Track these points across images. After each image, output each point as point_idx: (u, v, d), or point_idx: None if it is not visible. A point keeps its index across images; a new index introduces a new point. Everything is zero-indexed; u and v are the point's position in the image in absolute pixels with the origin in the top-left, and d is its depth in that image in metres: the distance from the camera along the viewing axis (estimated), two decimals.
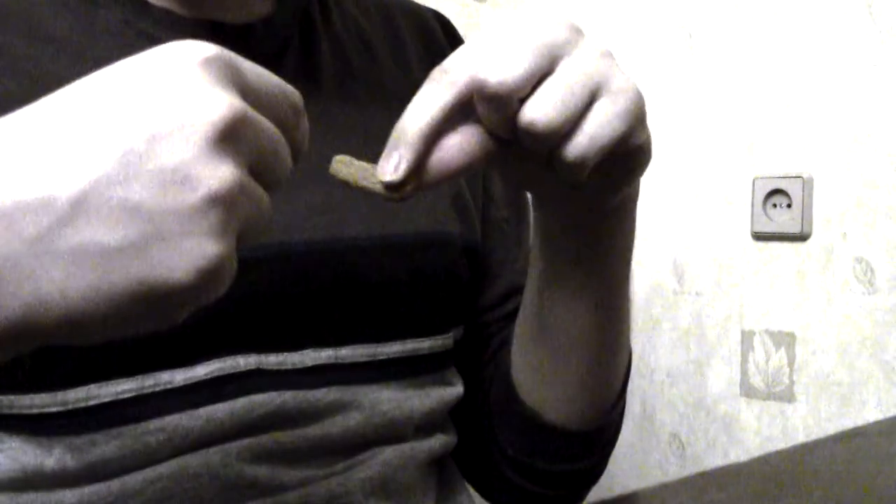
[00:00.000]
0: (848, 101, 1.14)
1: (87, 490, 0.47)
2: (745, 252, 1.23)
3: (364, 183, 0.42)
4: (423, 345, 0.58)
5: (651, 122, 0.44)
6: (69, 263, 0.29)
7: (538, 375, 0.59)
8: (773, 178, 1.19)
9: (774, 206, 1.19)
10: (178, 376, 0.48)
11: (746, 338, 1.23)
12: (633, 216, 0.53)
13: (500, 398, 0.62)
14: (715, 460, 1.26)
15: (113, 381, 0.47)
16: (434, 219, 0.59)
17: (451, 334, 0.61)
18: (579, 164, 0.41)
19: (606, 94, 0.41)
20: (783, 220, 1.18)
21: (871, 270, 1.12)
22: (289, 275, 0.52)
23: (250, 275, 0.49)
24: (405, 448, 0.56)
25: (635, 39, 1.32)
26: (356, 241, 0.54)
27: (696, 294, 1.28)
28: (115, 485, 0.47)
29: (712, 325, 1.26)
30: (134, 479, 0.48)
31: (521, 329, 0.59)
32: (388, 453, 0.55)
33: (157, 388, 0.48)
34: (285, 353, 0.52)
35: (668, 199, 1.30)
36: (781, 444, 1.20)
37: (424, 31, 0.68)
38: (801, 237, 1.17)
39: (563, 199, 0.50)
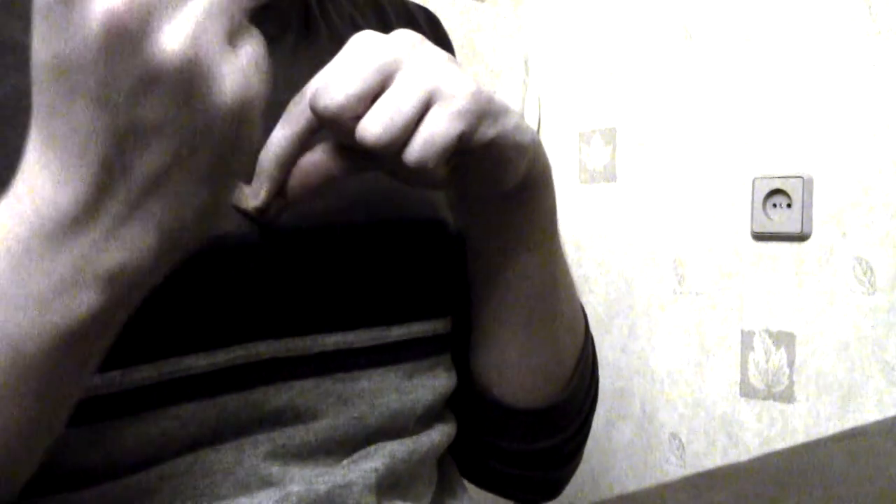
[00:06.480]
0: (848, 101, 1.14)
1: (105, 488, 0.47)
2: (745, 252, 1.23)
3: (243, 205, 0.48)
4: (427, 327, 0.59)
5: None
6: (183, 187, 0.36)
7: (481, 355, 0.64)
8: (773, 178, 1.19)
9: (774, 206, 1.19)
10: (201, 362, 0.49)
11: (746, 338, 1.23)
12: (536, 209, 0.58)
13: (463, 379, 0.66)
14: (715, 460, 1.26)
15: (135, 368, 0.47)
16: (428, 206, 0.61)
17: (448, 319, 0.63)
18: (419, 167, 0.46)
19: (440, 100, 0.46)
20: (783, 220, 1.18)
21: (871, 270, 1.12)
22: (296, 260, 0.53)
23: (262, 260, 0.51)
24: (408, 442, 0.57)
25: (635, 39, 1.32)
26: (355, 226, 0.56)
27: (696, 294, 1.28)
28: (131, 482, 0.47)
29: (712, 325, 1.26)
30: (149, 477, 0.48)
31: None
32: (393, 447, 0.55)
33: (176, 375, 0.48)
34: (295, 340, 0.52)
35: (668, 199, 1.30)
36: (781, 444, 1.20)
37: (413, 28, 0.70)
38: (801, 237, 1.17)
39: (466, 197, 0.57)
